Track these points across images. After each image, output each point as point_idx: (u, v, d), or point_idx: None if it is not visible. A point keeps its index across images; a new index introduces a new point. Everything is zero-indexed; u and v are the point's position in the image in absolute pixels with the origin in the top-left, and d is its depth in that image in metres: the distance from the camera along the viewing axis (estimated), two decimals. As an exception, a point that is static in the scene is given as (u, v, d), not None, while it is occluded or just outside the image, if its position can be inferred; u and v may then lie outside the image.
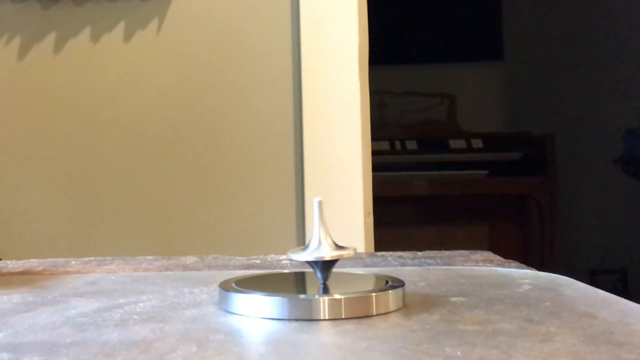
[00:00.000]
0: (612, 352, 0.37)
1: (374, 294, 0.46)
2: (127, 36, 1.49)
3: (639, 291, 3.61)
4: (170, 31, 1.49)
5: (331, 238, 0.48)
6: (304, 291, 0.50)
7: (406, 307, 0.47)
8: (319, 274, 0.48)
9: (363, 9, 1.48)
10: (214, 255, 0.79)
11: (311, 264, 0.48)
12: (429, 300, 0.50)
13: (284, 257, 0.75)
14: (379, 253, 0.80)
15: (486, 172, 3.36)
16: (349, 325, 0.43)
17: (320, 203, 0.49)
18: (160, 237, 1.49)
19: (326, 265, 0.48)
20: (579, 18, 3.91)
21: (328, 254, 0.47)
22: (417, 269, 0.66)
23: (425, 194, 3.35)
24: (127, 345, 0.40)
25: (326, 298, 0.45)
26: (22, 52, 1.49)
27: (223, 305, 0.48)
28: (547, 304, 0.49)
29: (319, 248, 0.48)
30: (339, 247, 0.48)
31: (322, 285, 0.48)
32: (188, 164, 1.49)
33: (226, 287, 0.49)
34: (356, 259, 0.75)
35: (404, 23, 3.95)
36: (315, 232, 0.48)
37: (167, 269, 0.70)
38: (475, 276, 0.61)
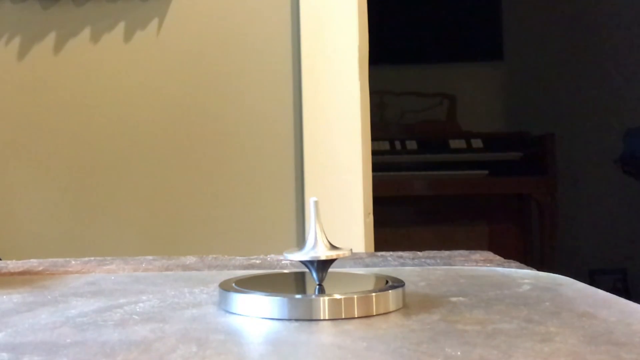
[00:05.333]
0: (612, 352, 0.37)
1: (374, 294, 0.46)
2: (127, 36, 1.49)
3: (639, 291, 3.61)
4: (170, 31, 1.49)
5: (327, 238, 0.48)
6: (303, 291, 0.50)
7: (406, 307, 0.47)
8: (314, 274, 0.48)
9: (363, 9, 1.48)
10: (214, 255, 0.79)
11: (306, 264, 0.48)
12: (429, 300, 0.50)
13: (283, 257, 0.75)
14: (379, 253, 0.80)
15: (486, 172, 3.36)
16: (349, 325, 0.43)
17: (316, 203, 0.49)
18: (160, 237, 1.49)
19: (322, 265, 0.48)
20: (578, 18, 3.91)
21: (323, 253, 0.47)
22: (417, 269, 0.66)
23: (425, 194, 3.35)
24: (127, 345, 0.40)
25: (326, 298, 0.45)
26: (22, 52, 1.49)
27: (223, 305, 0.48)
28: (547, 304, 0.49)
29: (315, 248, 0.48)
30: (334, 247, 0.48)
31: (317, 287, 0.48)
32: (188, 164, 1.49)
33: (226, 287, 0.49)
34: (356, 259, 0.75)
35: (404, 23, 3.95)
36: (311, 232, 0.48)
37: (167, 269, 0.70)
38: (475, 276, 0.61)
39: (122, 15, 1.49)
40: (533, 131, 3.56)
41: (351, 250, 0.49)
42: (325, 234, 0.48)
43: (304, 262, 0.48)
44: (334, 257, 0.48)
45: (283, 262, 0.74)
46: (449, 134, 3.53)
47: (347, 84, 1.45)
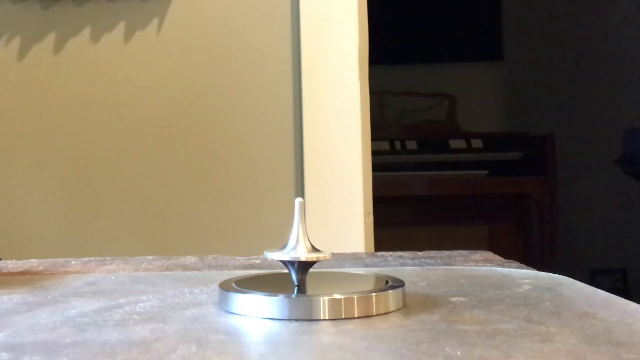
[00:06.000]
0: (612, 352, 0.37)
1: (374, 294, 0.46)
2: (127, 36, 1.49)
3: (639, 291, 3.61)
4: (170, 31, 1.49)
5: (309, 240, 0.48)
6: (304, 291, 0.50)
7: (406, 307, 0.47)
8: (293, 275, 0.48)
9: (363, 9, 1.48)
10: (214, 255, 0.79)
11: (286, 264, 0.48)
12: (429, 300, 0.50)
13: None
14: (379, 253, 0.80)
15: (486, 172, 3.36)
16: (349, 325, 0.43)
17: (301, 204, 0.49)
18: (160, 237, 1.49)
19: (301, 267, 0.48)
20: (579, 18, 3.91)
21: (303, 255, 0.47)
22: (417, 269, 0.66)
23: (425, 194, 3.35)
24: (127, 345, 0.40)
25: (326, 298, 0.45)
26: (22, 52, 1.49)
27: (223, 305, 0.48)
28: (547, 304, 0.49)
29: (296, 248, 0.48)
30: (316, 249, 0.48)
31: (296, 287, 0.48)
32: (188, 164, 1.49)
33: (226, 287, 0.49)
34: (356, 259, 0.75)
35: (404, 23, 3.95)
36: (293, 232, 0.48)
37: (167, 269, 0.70)
38: (475, 276, 0.61)
39: (122, 15, 1.49)
40: (533, 131, 3.56)
41: (332, 253, 0.49)
42: (307, 236, 0.48)
43: (283, 262, 0.48)
44: (314, 260, 0.48)
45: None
46: (449, 134, 3.53)
47: (347, 84, 1.45)
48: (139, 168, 1.49)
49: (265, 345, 0.40)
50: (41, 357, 0.38)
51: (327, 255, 0.48)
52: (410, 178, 3.34)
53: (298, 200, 0.49)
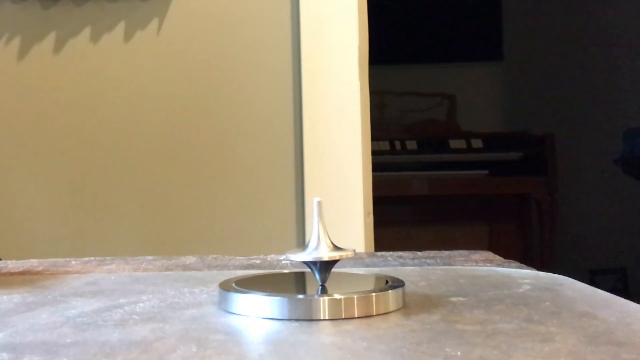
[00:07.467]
0: (612, 352, 0.37)
1: (374, 294, 0.46)
2: (127, 36, 1.49)
3: (639, 291, 3.61)
4: (170, 31, 1.49)
5: (330, 239, 0.48)
6: (304, 291, 0.50)
7: (406, 307, 0.47)
8: (317, 275, 0.48)
9: (363, 9, 1.48)
10: (214, 255, 0.79)
11: (309, 264, 0.48)
12: (429, 300, 0.50)
13: (284, 257, 0.75)
14: (379, 253, 0.80)
15: (486, 172, 3.36)
16: (349, 325, 0.43)
17: (319, 203, 0.49)
18: (160, 237, 1.49)
19: (324, 266, 0.48)
20: (579, 18, 3.91)
21: (326, 254, 0.47)
22: (417, 269, 0.66)
23: (425, 194, 3.35)
24: (127, 345, 0.40)
25: (326, 298, 0.45)
26: (22, 52, 1.49)
27: (223, 305, 0.48)
28: (547, 304, 0.49)
29: (318, 248, 0.48)
30: (337, 248, 0.48)
31: (320, 287, 0.48)
32: (188, 164, 1.49)
33: (226, 287, 0.49)
34: (356, 259, 0.75)
35: (404, 23, 3.95)
36: (314, 232, 0.48)
37: (167, 269, 0.70)
38: (475, 276, 0.61)
39: (122, 15, 1.49)
40: (533, 131, 3.56)
41: (354, 251, 0.49)
42: (328, 235, 0.48)
43: (307, 263, 0.48)
44: (337, 258, 0.48)
45: (283, 262, 0.74)
46: (449, 134, 3.53)
47: (347, 84, 1.45)
48: (139, 168, 1.49)
49: (265, 345, 0.40)
50: (41, 357, 0.38)
51: (349, 253, 0.48)
52: (410, 178, 3.34)
53: (316, 200, 0.49)
